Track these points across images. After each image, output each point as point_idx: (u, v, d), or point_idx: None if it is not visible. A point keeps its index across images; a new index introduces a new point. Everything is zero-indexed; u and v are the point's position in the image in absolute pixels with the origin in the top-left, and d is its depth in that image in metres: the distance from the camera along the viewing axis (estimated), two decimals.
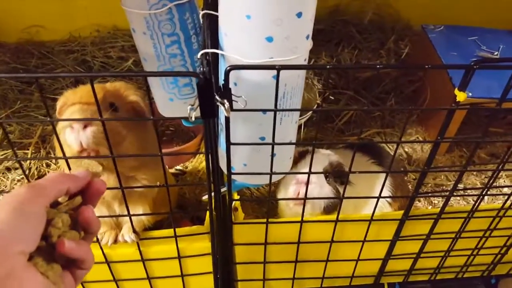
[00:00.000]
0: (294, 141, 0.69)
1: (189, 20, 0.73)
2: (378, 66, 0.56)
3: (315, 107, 1.35)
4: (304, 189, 0.78)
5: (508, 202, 0.76)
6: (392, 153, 1.12)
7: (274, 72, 0.56)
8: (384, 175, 0.70)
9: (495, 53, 1.23)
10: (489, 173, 0.74)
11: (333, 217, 0.74)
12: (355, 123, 1.32)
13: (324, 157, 0.89)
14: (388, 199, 0.92)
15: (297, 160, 0.89)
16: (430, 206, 1.10)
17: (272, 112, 0.59)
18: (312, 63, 1.52)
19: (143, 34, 0.73)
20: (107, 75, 1.11)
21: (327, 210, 0.86)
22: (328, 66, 0.57)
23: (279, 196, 0.93)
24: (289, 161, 0.71)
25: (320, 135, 1.29)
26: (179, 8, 0.71)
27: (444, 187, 1.14)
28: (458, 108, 0.57)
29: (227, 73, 0.51)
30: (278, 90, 0.53)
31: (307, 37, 0.56)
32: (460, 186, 1.18)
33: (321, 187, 0.85)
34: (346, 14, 1.69)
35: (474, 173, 1.20)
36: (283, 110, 0.58)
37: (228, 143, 0.60)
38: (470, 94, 1.07)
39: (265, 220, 0.73)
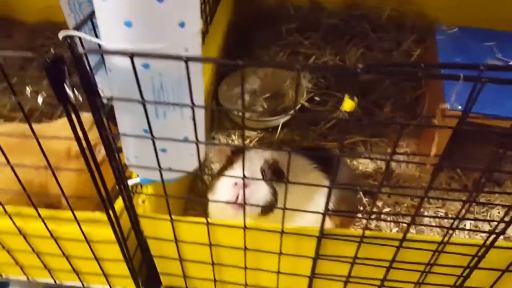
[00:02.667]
0: (199, 138, 0.65)
1: None
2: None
3: (297, 107, 1.29)
4: (242, 192, 0.74)
5: (447, 237, 0.65)
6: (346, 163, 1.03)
7: (145, 61, 0.52)
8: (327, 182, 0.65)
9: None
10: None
11: (241, 223, 0.69)
12: (340, 128, 1.23)
13: (259, 156, 0.83)
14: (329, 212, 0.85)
15: (231, 160, 0.85)
16: (396, 229, 0.99)
17: (154, 105, 0.56)
18: (313, 60, 1.43)
19: (68, 16, 0.72)
20: None
21: (265, 211, 0.81)
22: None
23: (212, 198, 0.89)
24: (190, 158, 0.66)
25: (299, 137, 1.22)
26: None
27: (422, 210, 1.03)
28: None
29: (79, 58, 0.48)
30: (138, 79, 0.49)
31: (182, 25, 0.51)
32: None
33: (260, 188, 0.80)
34: (363, 7, 1.57)
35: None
36: (151, 102, 0.53)
37: (104, 132, 0.57)
38: (460, 107, 0.94)
39: (170, 216, 0.70)
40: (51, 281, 0.89)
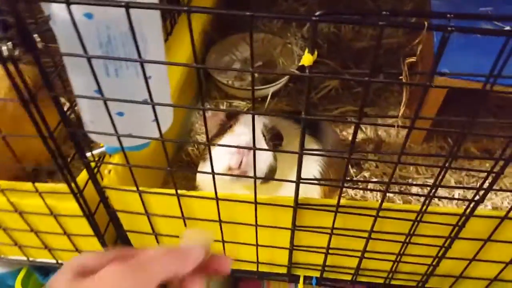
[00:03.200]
0: (161, 100, 0.60)
1: None
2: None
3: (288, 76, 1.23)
4: (246, 158, 0.71)
5: (425, 206, 0.60)
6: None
7: (86, 9, 0.47)
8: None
9: (507, 28, 0.99)
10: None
11: (213, 194, 0.65)
12: (332, 98, 1.17)
13: (258, 120, 0.79)
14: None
15: (226, 124, 0.80)
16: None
17: (103, 61, 0.51)
18: (307, 26, 1.36)
19: None
20: None
21: (267, 178, 0.78)
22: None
23: (205, 169, 0.85)
24: (151, 124, 0.61)
25: (290, 107, 1.17)
26: None
27: (411, 180, 0.97)
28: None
29: (11, 5, 0.43)
30: (78, 30, 0.44)
31: None
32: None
33: (262, 153, 0.76)
34: None
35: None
36: (94, 57, 0.48)
37: (51, 94, 0.53)
38: (447, 71, 0.88)
39: (137, 187, 0.65)
40: (23, 258, 0.86)
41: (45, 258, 0.86)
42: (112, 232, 0.80)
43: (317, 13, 0.41)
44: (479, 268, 0.72)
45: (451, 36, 0.39)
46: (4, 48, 0.44)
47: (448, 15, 0.39)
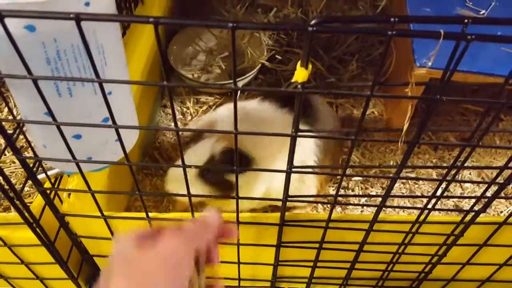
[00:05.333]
0: (130, 120, 0.52)
1: None
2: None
3: (257, 67, 1.16)
4: None
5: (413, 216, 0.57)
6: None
7: (25, 21, 0.38)
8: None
9: (482, 12, 0.97)
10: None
11: (189, 215, 0.58)
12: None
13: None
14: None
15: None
16: (365, 199, 0.91)
17: (50, 82, 0.42)
18: (273, 13, 1.29)
19: None
20: None
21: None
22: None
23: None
24: (113, 144, 0.53)
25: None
26: None
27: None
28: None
29: None
30: (16, 46, 0.35)
31: None
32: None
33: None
34: None
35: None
36: (40, 78, 0.39)
37: None
38: (430, 63, 0.85)
39: (102, 213, 0.58)
40: None
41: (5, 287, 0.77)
42: (77, 256, 0.72)
43: (313, 22, 0.34)
44: (470, 272, 0.70)
45: None
46: None
47: (466, 20, 0.34)
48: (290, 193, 0.52)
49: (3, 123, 0.43)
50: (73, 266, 0.71)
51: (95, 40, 0.42)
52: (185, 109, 1.17)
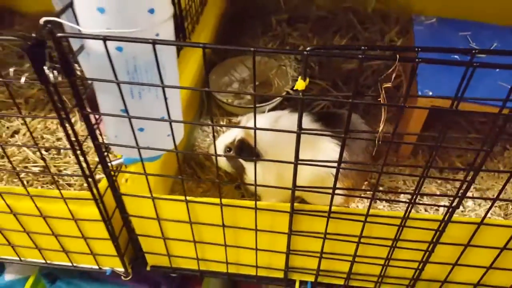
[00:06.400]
0: (175, 118, 0.69)
1: None
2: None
3: (283, 94, 1.32)
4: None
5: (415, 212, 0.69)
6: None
7: (118, 44, 0.56)
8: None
9: None
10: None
11: (218, 200, 0.73)
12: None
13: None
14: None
15: None
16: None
17: (129, 85, 0.60)
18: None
19: (56, 4, 0.75)
20: None
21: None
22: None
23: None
24: (166, 139, 0.70)
25: None
26: None
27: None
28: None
29: (57, 41, 0.52)
30: (111, 60, 0.54)
31: (151, 11, 0.55)
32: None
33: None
34: (351, 0, 1.61)
35: (438, 181, 1.10)
36: (124, 82, 0.57)
37: (83, 112, 0.62)
38: (431, 93, 0.98)
39: (151, 194, 0.74)
40: (42, 260, 0.93)
41: (63, 261, 0.93)
42: (124, 236, 0.88)
43: (308, 49, 0.51)
44: (462, 273, 0.81)
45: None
46: (51, 75, 0.53)
47: (473, 51, 0.48)
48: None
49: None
50: (121, 244, 0.87)
51: (161, 59, 0.60)
52: (218, 128, 1.34)
